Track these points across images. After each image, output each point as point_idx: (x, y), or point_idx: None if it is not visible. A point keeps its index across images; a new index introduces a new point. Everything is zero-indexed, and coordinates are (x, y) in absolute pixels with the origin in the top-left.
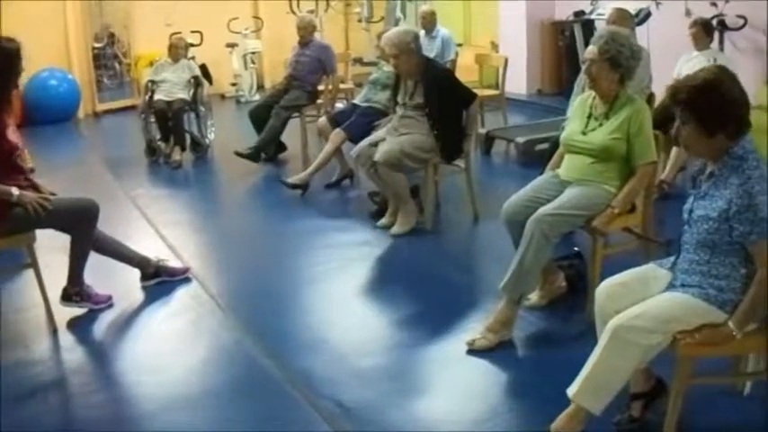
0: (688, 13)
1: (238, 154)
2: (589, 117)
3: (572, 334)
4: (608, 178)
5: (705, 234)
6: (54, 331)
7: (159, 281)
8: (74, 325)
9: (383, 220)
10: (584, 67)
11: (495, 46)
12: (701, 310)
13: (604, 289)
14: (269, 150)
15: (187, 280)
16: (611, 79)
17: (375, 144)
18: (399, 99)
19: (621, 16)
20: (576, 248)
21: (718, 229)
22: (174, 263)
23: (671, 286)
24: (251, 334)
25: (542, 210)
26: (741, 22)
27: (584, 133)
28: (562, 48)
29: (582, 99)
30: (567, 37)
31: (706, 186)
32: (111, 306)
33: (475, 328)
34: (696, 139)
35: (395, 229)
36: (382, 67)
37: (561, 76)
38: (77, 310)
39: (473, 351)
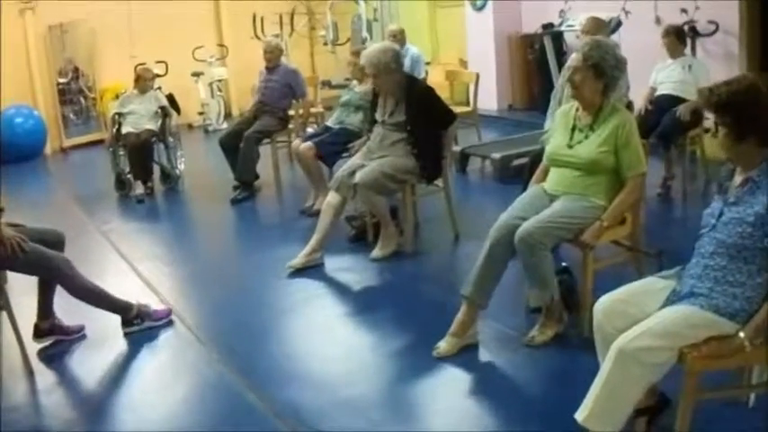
0: (658, 20)
1: (235, 201)
2: (573, 129)
3: (569, 351)
4: (596, 191)
5: (737, 238)
6: (30, 373)
7: (141, 327)
8: (50, 366)
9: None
10: (566, 75)
11: (463, 63)
12: (708, 322)
13: (603, 306)
14: (249, 177)
15: (170, 323)
16: (595, 88)
17: (352, 172)
18: (378, 117)
19: (597, 26)
20: (563, 263)
21: (752, 234)
22: (155, 305)
23: (675, 294)
24: (234, 367)
25: (528, 222)
26: (712, 27)
27: (570, 146)
28: (532, 61)
29: (564, 111)
30: (537, 50)
31: (739, 192)
32: (83, 336)
33: (467, 352)
34: (727, 143)
35: (375, 253)
36: (353, 88)
37: (532, 89)
38: (55, 350)
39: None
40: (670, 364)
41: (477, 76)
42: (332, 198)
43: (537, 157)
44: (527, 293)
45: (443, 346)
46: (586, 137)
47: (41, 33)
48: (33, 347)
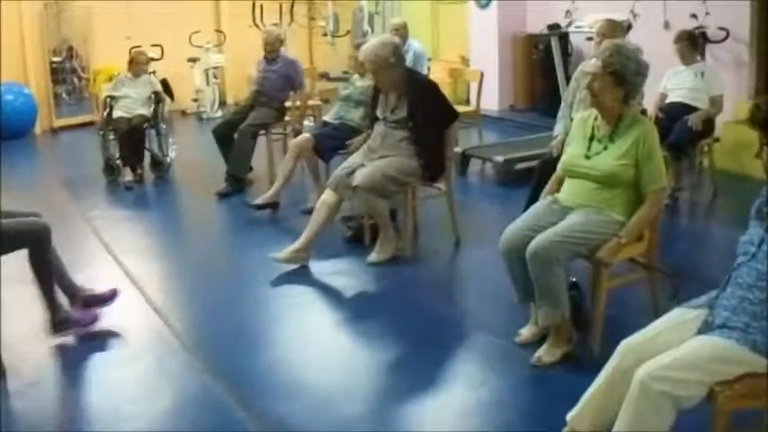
0: (667, 25)
1: (221, 195)
2: (591, 139)
3: (579, 373)
4: (614, 205)
5: None
6: (1, 374)
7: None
8: (23, 367)
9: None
10: (579, 79)
11: (464, 60)
12: (743, 359)
13: (628, 350)
14: (240, 172)
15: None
16: (615, 96)
17: (352, 172)
18: (379, 114)
19: (612, 29)
20: (572, 278)
21: None
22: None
23: (707, 326)
24: (221, 378)
25: (542, 235)
26: (723, 34)
27: (587, 157)
28: (536, 62)
29: (581, 119)
30: (542, 50)
31: None
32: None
33: (465, 366)
34: None
35: (373, 257)
36: (354, 83)
37: (534, 90)
38: (30, 351)
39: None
40: (698, 398)
41: (482, 74)
42: (328, 196)
43: (546, 163)
44: (536, 311)
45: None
46: (605, 148)
47: (37, 11)
48: (8, 344)
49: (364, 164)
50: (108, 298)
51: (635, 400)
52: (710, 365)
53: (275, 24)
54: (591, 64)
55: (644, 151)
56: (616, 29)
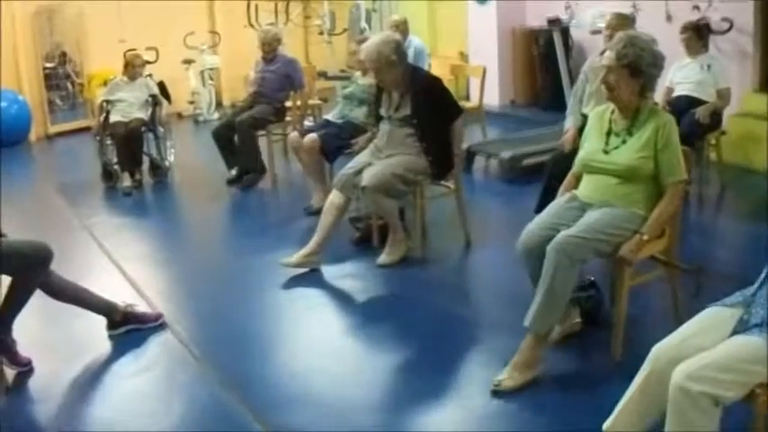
0: (669, 17)
1: (231, 182)
2: (609, 133)
3: (600, 374)
4: (635, 200)
5: None
6: (6, 390)
7: (128, 329)
8: (27, 382)
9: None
10: (587, 73)
11: (463, 56)
12: None
13: (662, 353)
14: (253, 165)
15: (160, 327)
16: (632, 89)
17: (359, 171)
18: (383, 112)
19: (621, 23)
20: (590, 277)
21: None
22: (143, 308)
23: (742, 324)
24: (231, 388)
25: (564, 233)
26: (726, 25)
27: (605, 152)
28: (536, 56)
29: (598, 114)
30: (542, 45)
31: None
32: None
33: (483, 371)
34: None
35: (382, 259)
36: (356, 80)
37: (535, 85)
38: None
39: (498, 393)
40: (737, 398)
41: (485, 69)
42: (335, 197)
43: (557, 159)
44: (532, 310)
45: (504, 380)
46: (623, 142)
47: (29, 16)
48: None
49: (372, 163)
50: (151, 319)
51: (677, 403)
52: (750, 367)
53: (271, 24)
54: (605, 56)
55: (662, 141)
56: (626, 22)
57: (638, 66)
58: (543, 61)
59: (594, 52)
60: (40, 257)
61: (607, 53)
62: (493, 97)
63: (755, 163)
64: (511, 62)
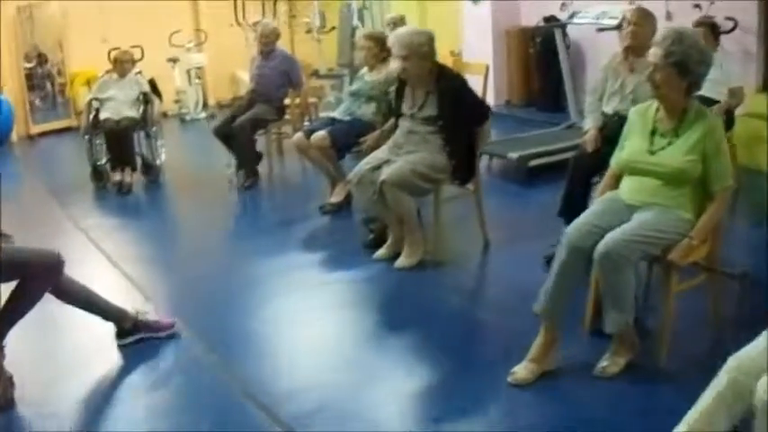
0: (669, 16)
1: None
2: (653, 133)
3: (643, 383)
4: (681, 203)
5: None
6: (10, 401)
7: (139, 338)
8: (32, 395)
9: (382, 251)
10: (606, 70)
11: (455, 55)
12: None
13: (740, 364)
14: (251, 166)
15: (173, 336)
16: (679, 88)
17: (378, 167)
18: (405, 110)
19: (643, 17)
20: None
21: None
22: (151, 313)
23: None
24: (253, 398)
25: (612, 234)
26: (731, 24)
27: (651, 153)
28: (532, 56)
29: (640, 112)
30: (539, 44)
31: None
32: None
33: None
34: None
35: (401, 262)
36: (363, 77)
37: (531, 85)
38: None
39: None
40: None
41: (488, 67)
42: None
43: (579, 159)
44: (604, 316)
45: (520, 372)
46: (670, 143)
47: (10, 16)
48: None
49: (390, 159)
50: (164, 328)
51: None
52: None
53: (256, 23)
54: (650, 53)
55: (712, 147)
56: (650, 17)
57: (686, 64)
58: (539, 61)
59: (593, 51)
60: (48, 267)
61: (653, 49)
62: (488, 97)
63: (763, 164)
64: (506, 62)
